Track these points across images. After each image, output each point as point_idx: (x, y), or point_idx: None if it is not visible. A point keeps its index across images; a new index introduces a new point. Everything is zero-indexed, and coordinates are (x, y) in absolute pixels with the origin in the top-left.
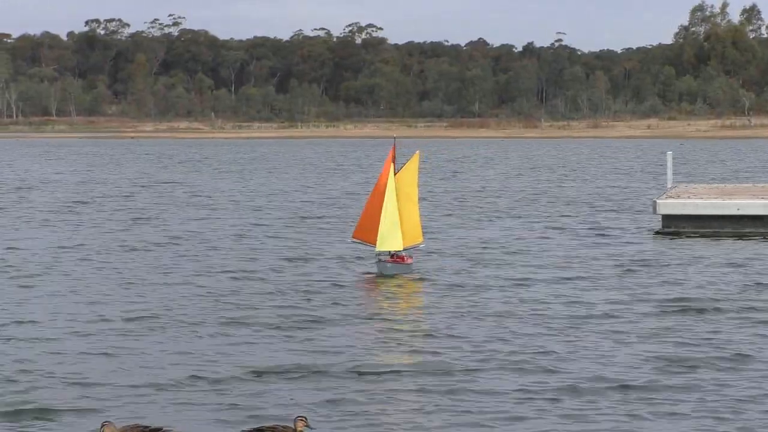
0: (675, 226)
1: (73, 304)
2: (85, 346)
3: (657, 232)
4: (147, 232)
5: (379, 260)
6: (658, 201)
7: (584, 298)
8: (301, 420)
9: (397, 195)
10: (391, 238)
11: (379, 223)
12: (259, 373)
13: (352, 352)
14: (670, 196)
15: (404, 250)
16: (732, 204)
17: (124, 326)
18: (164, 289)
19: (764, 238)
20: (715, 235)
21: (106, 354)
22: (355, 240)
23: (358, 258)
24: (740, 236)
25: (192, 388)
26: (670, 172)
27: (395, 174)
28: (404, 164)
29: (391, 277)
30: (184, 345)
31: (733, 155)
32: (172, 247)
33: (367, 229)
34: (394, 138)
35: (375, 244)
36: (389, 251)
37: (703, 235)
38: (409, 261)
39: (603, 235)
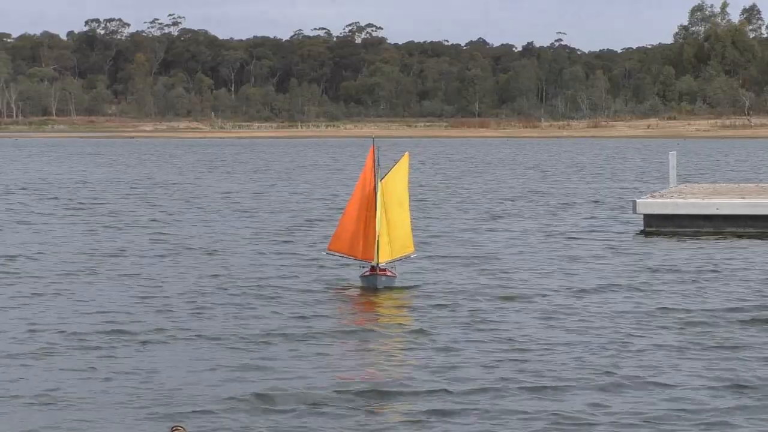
0: (656, 225)
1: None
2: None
3: (638, 232)
4: (117, 237)
5: (367, 274)
6: (638, 201)
7: (564, 308)
8: (177, 429)
9: (385, 201)
10: (388, 248)
11: (360, 233)
12: (227, 397)
13: (328, 373)
14: (653, 196)
15: (394, 260)
16: (711, 204)
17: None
18: (116, 297)
19: (743, 237)
20: (695, 235)
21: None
22: (331, 252)
23: (337, 270)
24: (720, 236)
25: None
26: (673, 171)
27: (382, 178)
28: (392, 167)
29: (375, 290)
30: (143, 361)
31: (734, 155)
32: (141, 252)
33: (345, 240)
34: (373, 138)
35: (356, 256)
36: (370, 263)
37: (682, 235)
38: (391, 274)
39: (585, 235)
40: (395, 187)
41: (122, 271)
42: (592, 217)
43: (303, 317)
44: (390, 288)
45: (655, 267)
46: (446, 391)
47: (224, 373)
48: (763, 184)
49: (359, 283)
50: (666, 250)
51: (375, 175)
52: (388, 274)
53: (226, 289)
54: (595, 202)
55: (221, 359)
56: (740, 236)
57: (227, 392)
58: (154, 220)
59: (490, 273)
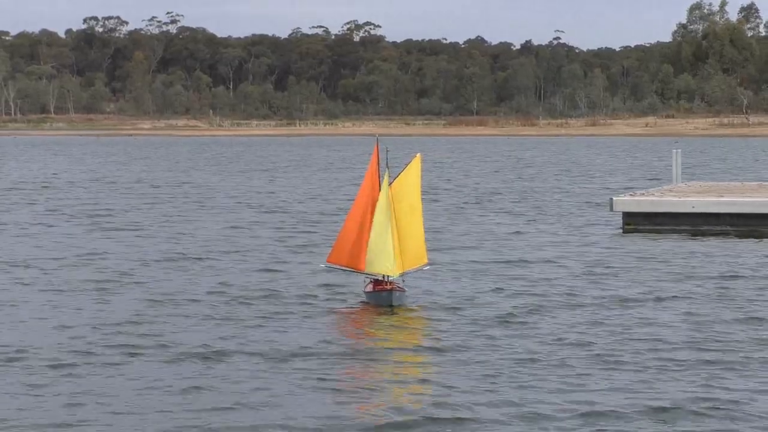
0: (635, 224)
1: None
2: None
3: (619, 231)
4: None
5: (370, 289)
6: (614, 199)
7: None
8: None
9: (395, 207)
10: (390, 258)
11: (365, 243)
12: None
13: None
14: (632, 195)
15: (406, 273)
16: (687, 202)
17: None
18: (98, 306)
19: (720, 236)
20: (673, 234)
21: None
22: (330, 265)
23: (338, 285)
24: (697, 234)
25: None
26: (678, 169)
27: (391, 182)
28: (402, 169)
29: (384, 308)
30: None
31: (733, 153)
32: (127, 258)
33: (347, 251)
34: (377, 137)
35: (360, 269)
36: (374, 277)
37: (660, 234)
38: (400, 289)
39: (567, 235)
40: (406, 191)
41: (113, 279)
42: (577, 216)
43: (297, 338)
44: (402, 305)
45: (622, 266)
46: (462, 419)
47: (207, 396)
48: (765, 183)
49: (363, 300)
50: (636, 249)
51: (380, 178)
52: (398, 289)
53: (209, 303)
54: (586, 201)
55: (204, 380)
56: (717, 234)
57: (210, 419)
58: (146, 223)
59: (483, 281)
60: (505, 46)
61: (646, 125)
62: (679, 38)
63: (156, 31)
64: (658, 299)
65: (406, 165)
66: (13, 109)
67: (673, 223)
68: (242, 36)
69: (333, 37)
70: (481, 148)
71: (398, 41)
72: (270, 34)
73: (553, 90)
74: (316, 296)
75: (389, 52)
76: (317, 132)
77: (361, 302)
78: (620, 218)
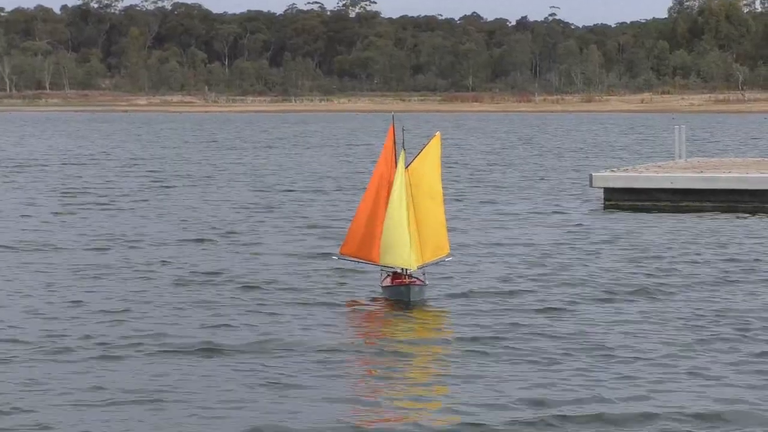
0: (616, 200)
1: None
2: None
3: (600, 206)
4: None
5: (389, 284)
6: (594, 174)
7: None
8: None
9: (413, 192)
10: (406, 249)
11: (380, 233)
12: None
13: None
14: (612, 171)
15: (426, 264)
16: (665, 178)
17: None
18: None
19: (700, 211)
20: (653, 209)
21: None
22: (343, 256)
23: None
24: (677, 210)
25: None
26: (681, 145)
27: (407, 165)
28: (420, 151)
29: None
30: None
31: (733, 129)
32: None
33: (361, 241)
34: (393, 114)
35: (375, 261)
36: (391, 269)
37: (640, 210)
38: (421, 283)
39: (548, 211)
40: (425, 175)
41: (102, 262)
42: (561, 192)
43: (307, 337)
44: (422, 300)
45: (599, 241)
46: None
47: (205, 392)
48: (766, 159)
49: (381, 295)
50: (609, 225)
51: (396, 161)
52: (418, 283)
53: (214, 293)
54: (577, 177)
55: (206, 374)
56: (696, 211)
57: (210, 414)
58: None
59: (470, 266)
60: (501, 23)
61: (642, 101)
62: (674, 14)
63: (151, 7)
64: (627, 279)
65: (424, 145)
66: (8, 85)
67: (653, 199)
68: (237, 12)
69: (328, 13)
70: (475, 123)
71: (394, 17)
72: (265, 11)
73: (549, 66)
74: (329, 289)
75: (385, 28)
76: (313, 108)
77: (379, 296)
78: (602, 194)
